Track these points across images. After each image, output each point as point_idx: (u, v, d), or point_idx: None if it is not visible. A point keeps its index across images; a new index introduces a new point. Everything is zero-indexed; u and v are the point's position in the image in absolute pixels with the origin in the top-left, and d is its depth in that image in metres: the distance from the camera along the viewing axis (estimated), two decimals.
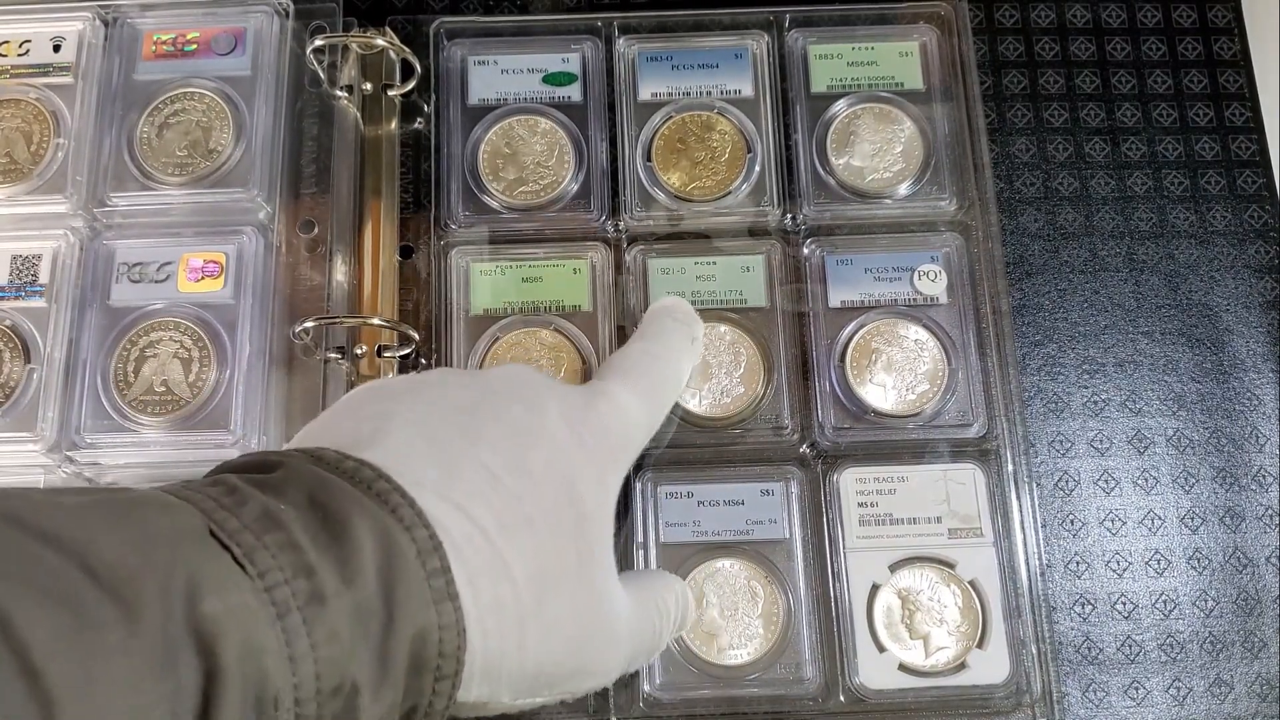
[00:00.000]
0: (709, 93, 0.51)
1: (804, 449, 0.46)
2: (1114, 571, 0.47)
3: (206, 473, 0.30)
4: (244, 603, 0.24)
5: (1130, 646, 0.46)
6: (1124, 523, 0.48)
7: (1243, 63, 0.54)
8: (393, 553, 0.27)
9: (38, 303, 0.46)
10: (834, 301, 0.48)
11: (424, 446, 0.31)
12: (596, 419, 0.35)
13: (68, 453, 0.44)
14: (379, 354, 0.47)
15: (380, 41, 0.49)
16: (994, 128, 0.52)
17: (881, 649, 0.43)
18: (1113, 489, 0.48)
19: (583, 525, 0.33)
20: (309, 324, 0.45)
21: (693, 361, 0.43)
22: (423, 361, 0.47)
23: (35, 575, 0.22)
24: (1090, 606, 0.47)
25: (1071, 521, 0.48)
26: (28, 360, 0.45)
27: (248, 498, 0.27)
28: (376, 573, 0.27)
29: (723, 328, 0.47)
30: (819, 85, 0.51)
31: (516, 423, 0.33)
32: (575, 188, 0.49)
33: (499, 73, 0.51)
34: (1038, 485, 0.48)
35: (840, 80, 0.51)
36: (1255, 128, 0.53)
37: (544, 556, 0.31)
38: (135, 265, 0.47)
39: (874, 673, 0.43)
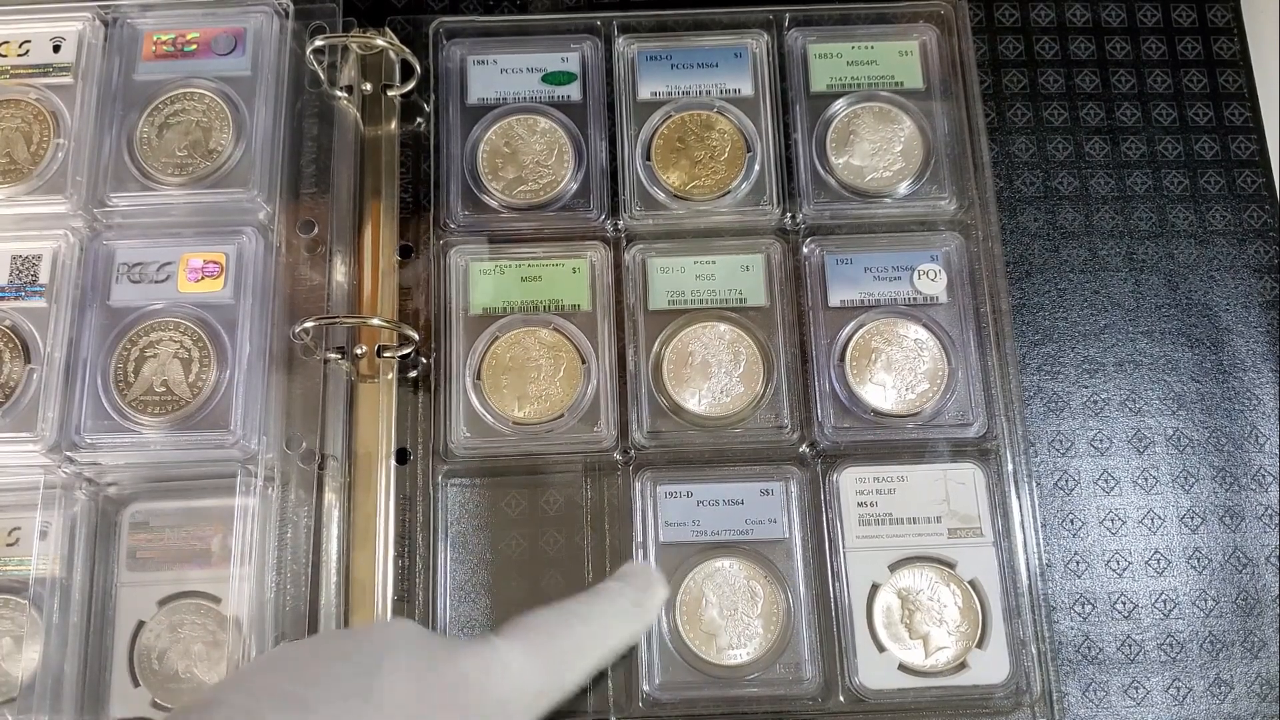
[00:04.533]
0: (708, 92, 0.51)
1: (804, 449, 0.46)
2: (1114, 571, 0.47)
3: None
4: None
5: (1130, 646, 0.46)
6: (1124, 522, 0.48)
7: (1242, 62, 0.54)
8: None
9: (38, 303, 0.46)
10: (834, 301, 0.48)
11: None
12: (454, 673, 0.32)
13: (68, 453, 0.44)
14: (379, 354, 0.47)
15: (380, 41, 0.49)
16: (994, 127, 0.52)
17: (881, 649, 0.43)
18: (1113, 488, 0.48)
19: None
20: (309, 324, 0.45)
21: (633, 626, 0.39)
22: (422, 360, 0.47)
23: None
24: (1090, 606, 0.47)
25: (1071, 521, 0.48)
26: (28, 360, 0.45)
27: None
28: None
29: (723, 327, 0.47)
30: (819, 84, 0.51)
31: (342, 685, 0.30)
32: (575, 187, 0.49)
33: (498, 72, 0.51)
34: (1038, 485, 0.48)
35: (840, 79, 0.51)
36: (1255, 127, 0.53)
37: None
38: (135, 265, 0.47)
39: (874, 673, 0.43)
